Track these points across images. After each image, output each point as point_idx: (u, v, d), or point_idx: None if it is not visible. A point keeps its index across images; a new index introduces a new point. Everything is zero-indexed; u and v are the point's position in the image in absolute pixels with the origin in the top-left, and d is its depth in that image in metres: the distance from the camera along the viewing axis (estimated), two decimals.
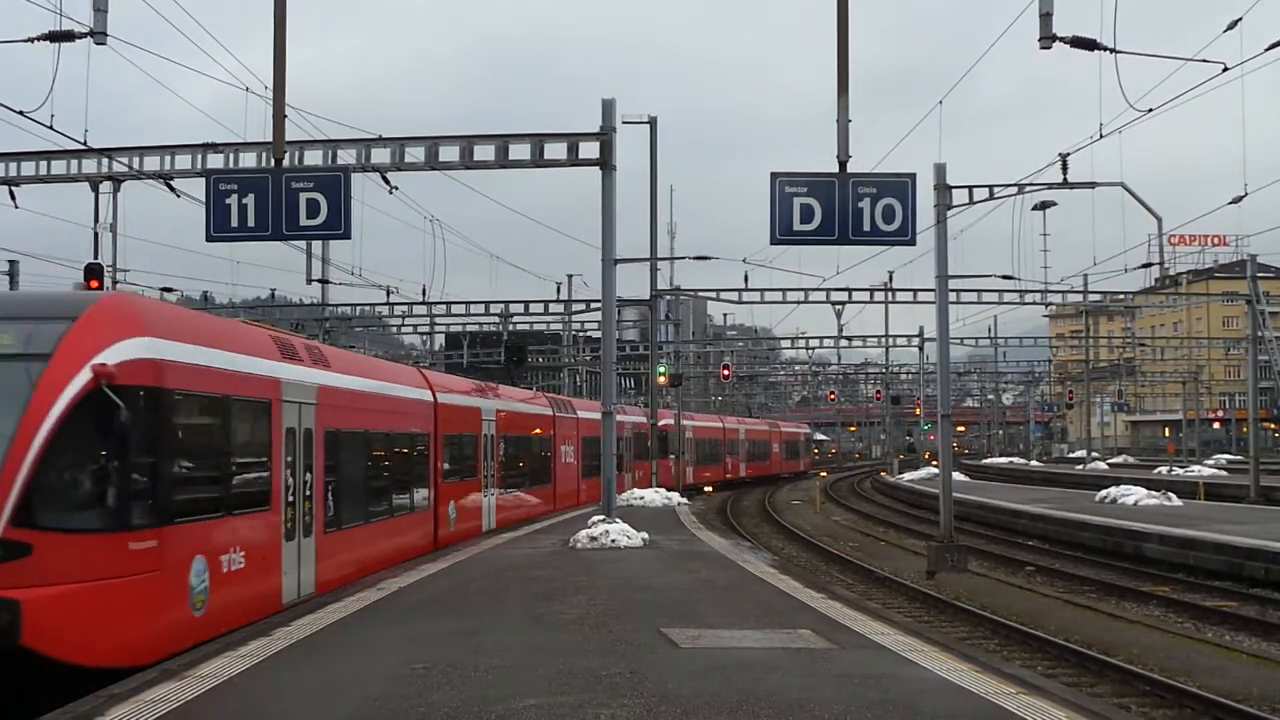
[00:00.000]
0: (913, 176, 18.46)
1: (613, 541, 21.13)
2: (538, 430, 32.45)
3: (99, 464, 11.04)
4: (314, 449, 15.59)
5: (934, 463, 52.24)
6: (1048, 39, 17.52)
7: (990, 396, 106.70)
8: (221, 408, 13.22)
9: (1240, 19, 17.62)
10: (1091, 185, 25.72)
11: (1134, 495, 34.74)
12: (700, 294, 50.78)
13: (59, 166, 22.93)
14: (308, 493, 15.39)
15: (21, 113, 17.17)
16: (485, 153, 21.92)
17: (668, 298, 49.00)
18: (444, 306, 44.15)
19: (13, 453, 10.43)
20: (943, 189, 25.19)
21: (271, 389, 14.47)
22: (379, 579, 16.61)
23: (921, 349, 64.59)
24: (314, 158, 21.72)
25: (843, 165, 18.25)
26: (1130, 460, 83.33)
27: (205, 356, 12.70)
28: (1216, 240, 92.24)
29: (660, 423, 49.28)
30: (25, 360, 10.94)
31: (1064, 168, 23.98)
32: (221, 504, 13.08)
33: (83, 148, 20.12)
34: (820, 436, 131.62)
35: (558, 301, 46.71)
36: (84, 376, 10.81)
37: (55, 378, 10.81)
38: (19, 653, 10.04)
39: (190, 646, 11.54)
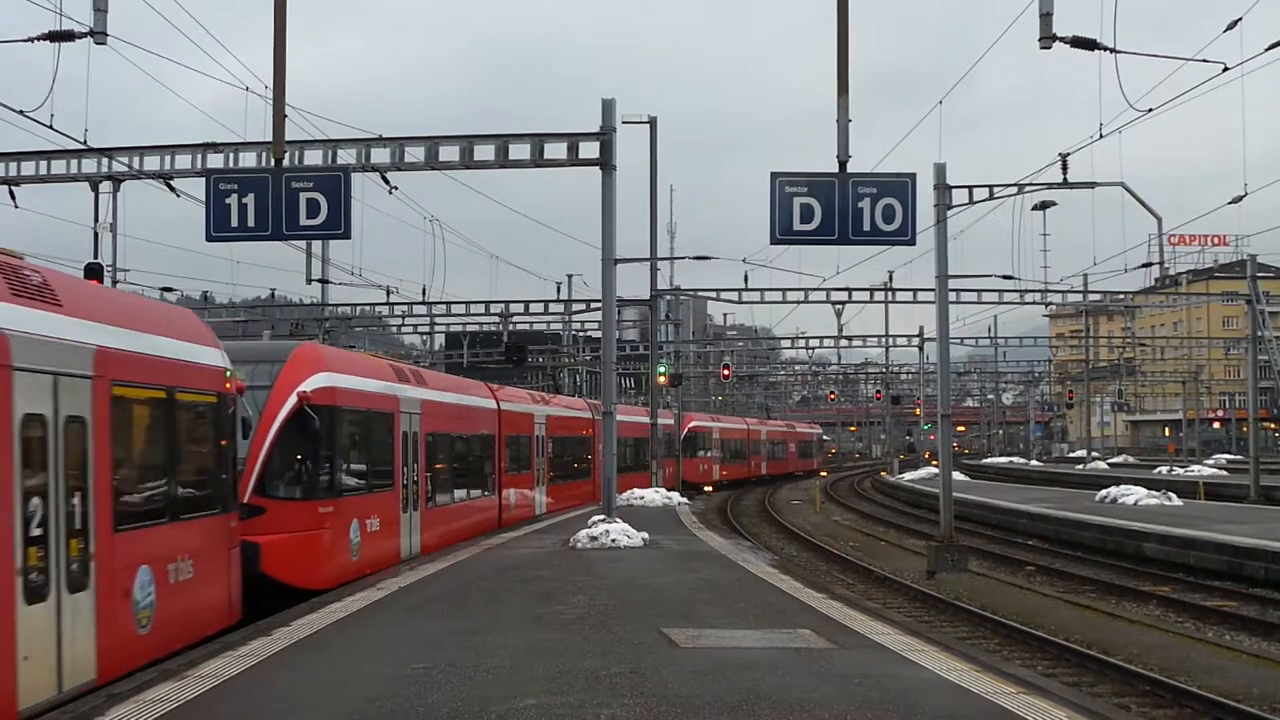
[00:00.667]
0: (913, 176, 18.46)
1: (613, 541, 21.14)
2: (583, 431, 37.14)
3: (303, 455, 16.61)
4: (419, 447, 21.05)
5: (934, 462, 52.24)
6: (1048, 39, 17.51)
7: (990, 396, 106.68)
8: (366, 418, 18.97)
9: (1240, 19, 17.60)
10: (1091, 185, 25.71)
11: (1134, 495, 34.73)
12: (700, 294, 50.78)
13: (59, 166, 22.92)
14: (415, 478, 20.77)
15: (21, 112, 17.17)
16: (485, 153, 21.92)
17: (668, 298, 48.94)
18: (444, 306, 44.14)
19: (252, 449, 15.71)
20: (943, 189, 25.19)
21: (393, 404, 20.05)
22: (379, 578, 16.66)
23: (921, 349, 64.57)
24: (314, 158, 21.72)
25: (843, 165, 18.25)
26: (1130, 460, 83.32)
27: (357, 384, 18.42)
28: (1216, 240, 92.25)
29: (692, 424, 57.61)
30: (259, 390, 16.04)
31: (1064, 168, 23.97)
32: (367, 485, 18.66)
33: (83, 147, 20.13)
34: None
35: (558, 301, 46.69)
36: (293, 400, 16.44)
37: (277, 400, 16.40)
38: (259, 576, 14.77)
39: (349, 581, 16.41)
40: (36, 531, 9.41)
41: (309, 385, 16.69)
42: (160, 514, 11.87)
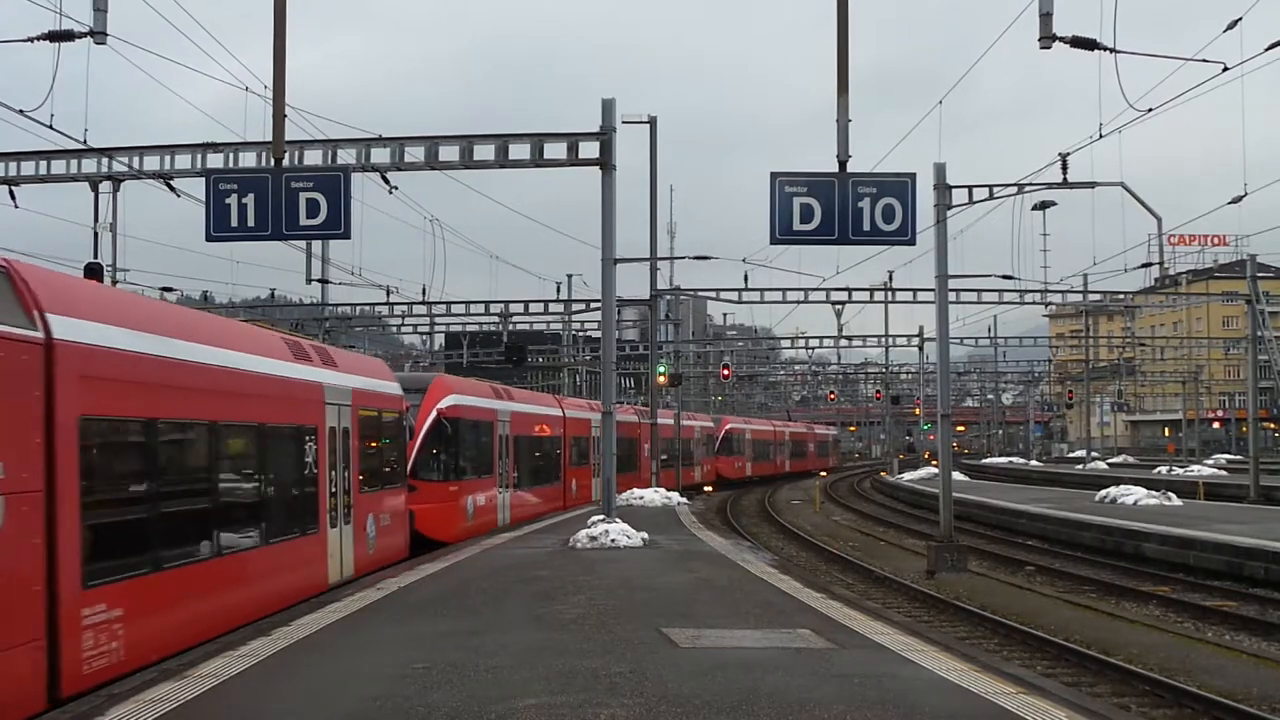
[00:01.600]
0: (912, 176, 18.46)
1: (612, 541, 21.13)
2: (634, 434, 44.54)
3: (439, 451, 24.72)
4: (509, 445, 29.09)
5: (934, 462, 52.25)
6: (1048, 39, 17.52)
7: (990, 396, 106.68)
8: (478, 426, 27.08)
9: (1240, 19, 17.62)
10: (1091, 185, 25.71)
11: (1134, 495, 34.74)
12: (700, 294, 50.80)
13: (59, 166, 22.92)
14: (504, 469, 28.74)
15: (21, 112, 17.19)
16: (485, 153, 21.92)
17: (668, 297, 48.96)
18: (444, 306, 44.14)
19: (408, 448, 22.66)
20: (942, 189, 25.19)
21: (493, 415, 28.28)
22: (379, 578, 16.66)
23: (921, 349, 64.57)
24: (314, 157, 21.72)
25: (842, 165, 18.26)
26: (1130, 460, 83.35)
27: (474, 401, 26.82)
28: (1216, 240, 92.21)
29: (729, 427, 67.69)
30: (413, 409, 22.87)
31: (1064, 167, 23.98)
32: (478, 472, 26.85)
33: (83, 147, 20.15)
34: None
35: (558, 301, 46.70)
36: (434, 414, 24.64)
37: (424, 415, 24.26)
38: (415, 533, 21.57)
39: (463, 540, 23.46)
40: (330, 490, 16.74)
41: (443, 404, 25.03)
42: (376, 485, 19.22)
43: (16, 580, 9.16)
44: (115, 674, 10.31)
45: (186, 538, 12.42)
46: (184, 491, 12.55)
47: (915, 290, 44.46)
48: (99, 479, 10.55)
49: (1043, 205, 43.35)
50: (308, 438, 15.92)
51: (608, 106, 22.17)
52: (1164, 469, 58.42)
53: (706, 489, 56.95)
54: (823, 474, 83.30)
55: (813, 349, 67.93)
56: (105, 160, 22.36)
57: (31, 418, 9.44)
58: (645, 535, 21.88)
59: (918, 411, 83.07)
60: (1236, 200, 27.45)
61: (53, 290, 10.20)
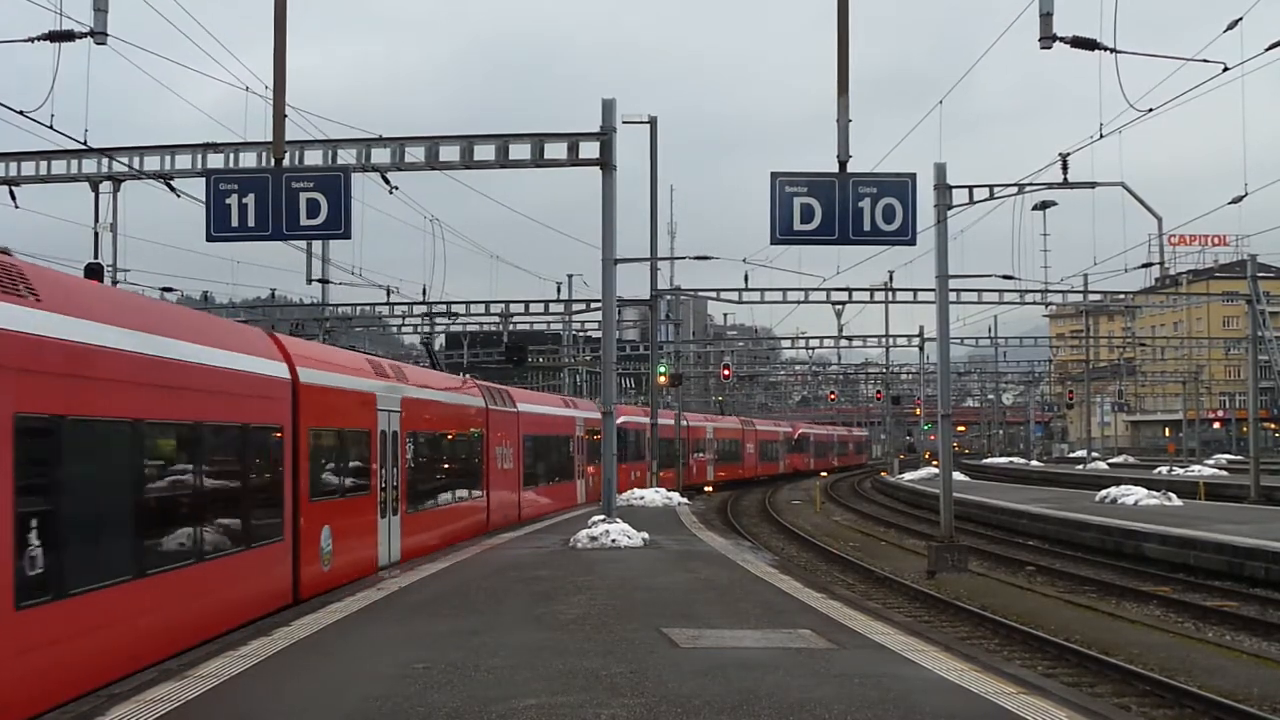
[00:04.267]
0: (913, 176, 18.45)
1: (613, 541, 21.12)
2: (685, 435, 52.63)
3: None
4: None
5: (934, 463, 52.23)
6: (1048, 39, 17.52)
7: (990, 396, 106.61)
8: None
9: (1240, 19, 17.61)
10: (1091, 185, 25.71)
11: (1134, 495, 34.73)
12: (700, 294, 50.76)
13: (59, 166, 22.92)
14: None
15: (22, 112, 17.17)
16: (485, 153, 21.91)
17: (668, 298, 48.95)
18: (444, 306, 44.14)
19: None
20: (943, 189, 25.18)
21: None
22: (378, 579, 16.65)
23: (921, 349, 64.54)
24: (314, 158, 21.71)
25: (843, 165, 18.25)
26: (1130, 460, 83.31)
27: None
28: (1216, 240, 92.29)
29: (801, 430, 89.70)
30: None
31: (1064, 168, 23.97)
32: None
33: (83, 148, 20.10)
34: None
35: (558, 301, 46.67)
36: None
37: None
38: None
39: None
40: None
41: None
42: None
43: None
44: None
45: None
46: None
47: (915, 290, 44.48)
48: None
49: (1043, 205, 43.44)
50: None
51: (608, 107, 22.16)
52: (1164, 469, 58.39)
53: (709, 489, 57.02)
54: (823, 474, 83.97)
55: (813, 349, 67.96)
56: (105, 160, 22.36)
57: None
58: (646, 535, 21.87)
59: (918, 411, 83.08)
60: (1237, 200, 27.43)
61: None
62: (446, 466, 24.09)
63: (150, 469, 11.93)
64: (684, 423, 52.61)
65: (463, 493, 24.71)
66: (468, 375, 30.01)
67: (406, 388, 21.12)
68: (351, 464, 18.26)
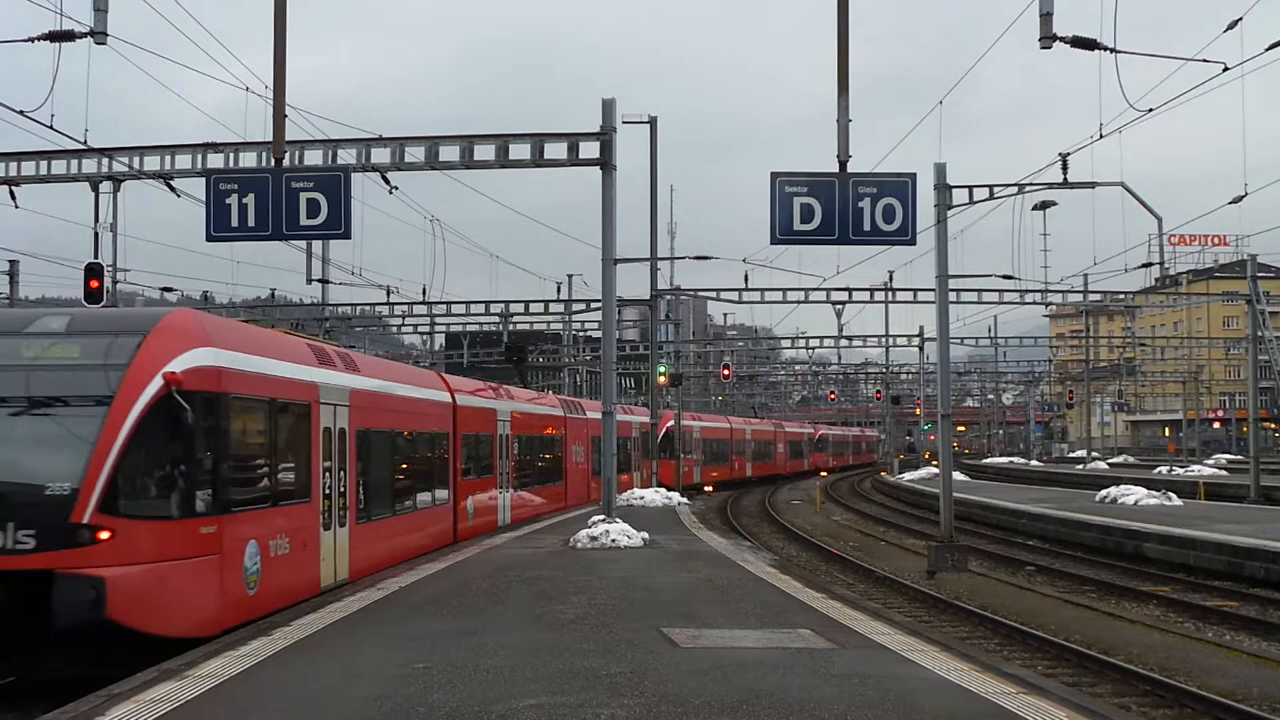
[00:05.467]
0: (913, 176, 18.45)
1: (613, 541, 21.13)
2: (725, 435, 63.24)
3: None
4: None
5: (934, 463, 52.23)
6: (1048, 39, 17.52)
7: (990, 396, 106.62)
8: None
9: (1240, 19, 17.63)
10: (1091, 185, 25.70)
11: (1134, 495, 34.71)
12: (700, 294, 50.76)
13: (59, 166, 22.93)
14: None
15: (22, 112, 17.19)
16: (485, 153, 21.92)
17: (668, 298, 48.99)
18: (444, 306, 44.15)
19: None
20: (943, 189, 25.18)
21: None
22: (378, 579, 16.65)
23: (921, 349, 64.55)
24: (314, 158, 21.73)
25: (843, 165, 18.25)
26: (1130, 460, 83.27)
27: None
28: (1216, 240, 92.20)
29: (821, 432, 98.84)
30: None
31: (1064, 168, 23.98)
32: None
33: (83, 147, 20.14)
34: None
35: (558, 301, 46.70)
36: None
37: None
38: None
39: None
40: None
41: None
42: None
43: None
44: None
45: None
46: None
47: (915, 290, 44.50)
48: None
49: (1043, 205, 43.34)
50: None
51: (608, 107, 22.17)
52: (1164, 469, 58.37)
53: (705, 489, 57.05)
54: (823, 474, 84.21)
55: (813, 349, 68.01)
56: (105, 160, 22.37)
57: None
58: (646, 535, 21.87)
59: (918, 411, 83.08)
60: (1237, 200, 27.45)
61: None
62: (532, 462, 31.13)
63: (399, 457, 20.19)
64: (727, 425, 66.75)
65: (547, 480, 32.19)
66: (548, 391, 40.13)
67: (513, 403, 29.21)
68: (482, 457, 26.00)
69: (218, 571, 12.64)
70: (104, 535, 11.60)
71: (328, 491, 15.90)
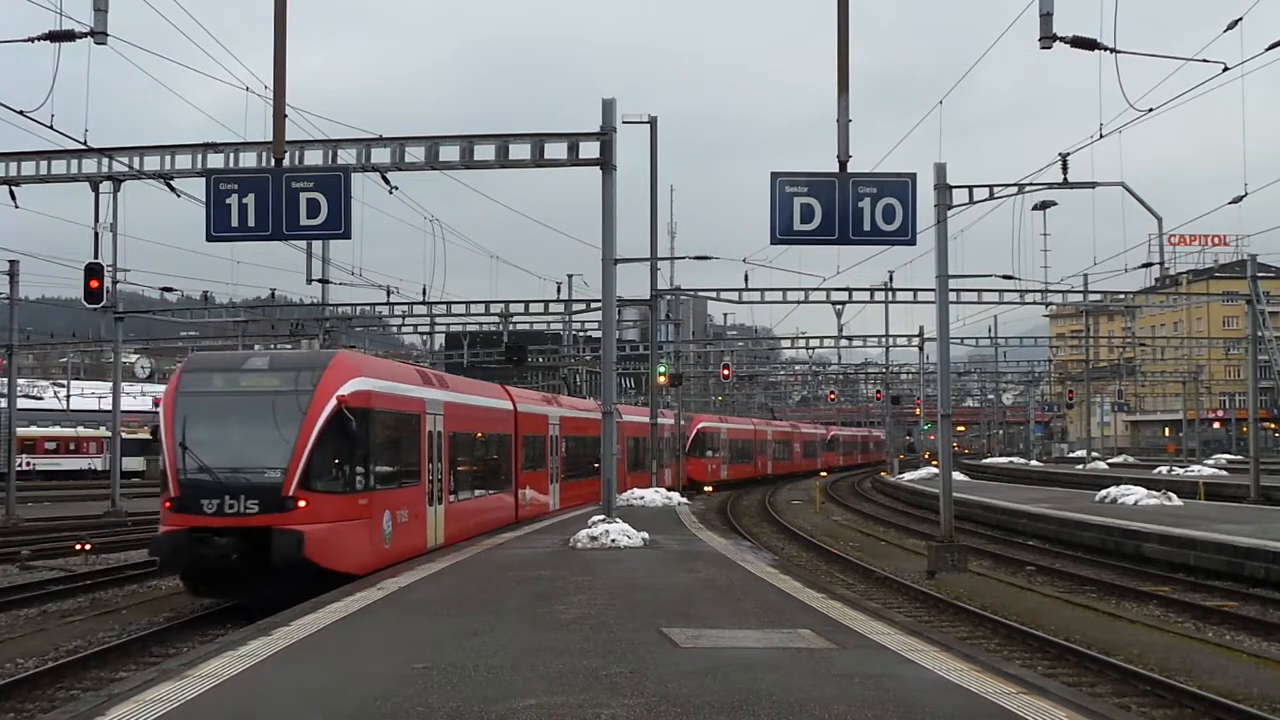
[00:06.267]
0: (913, 176, 18.46)
1: (613, 541, 21.12)
2: (750, 436, 69.05)
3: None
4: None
5: (934, 463, 52.23)
6: (1048, 39, 17.53)
7: (990, 396, 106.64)
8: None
9: (1240, 19, 17.64)
10: (1091, 185, 25.70)
11: (1134, 495, 34.70)
12: (700, 294, 50.76)
13: (59, 166, 22.94)
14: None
15: (22, 112, 17.19)
16: (485, 153, 21.92)
17: (668, 298, 48.97)
18: (444, 306, 44.16)
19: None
20: (943, 189, 25.18)
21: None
22: (379, 579, 16.66)
23: (921, 349, 64.55)
24: (314, 158, 21.73)
25: (843, 165, 18.26)
26: (1130, 460, 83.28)
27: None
28: (1216, 240, 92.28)
29: (833, 433, 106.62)
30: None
31: (1064, 168, 23.98)
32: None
33: (83, 148, 20.15)
34: None
35: (558, 301, 46.69)
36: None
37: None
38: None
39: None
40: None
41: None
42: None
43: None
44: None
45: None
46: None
47: (915, 290, 44.51)
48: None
49: (1043, 205, 43.32)
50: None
51: (608, 107, 22.16)
52: (1164, 469, 58.36)
53: (707, 489, 57.13)
54: (823, 474, 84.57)
55: (813, 349, 68.01)
56: (105, 160, 22.37)
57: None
58: (646, 535, 21.87)
59: (918, 411, 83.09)
60: (1237, 200, 27.45)
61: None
62: (577, 457, 35.04)
63: (478, 452, 25.44)
64: (751, 426, 73.50)
65: (590, 473, 34.74)
66: (593, 398, 44.16)
67: (561, 409, 34.19)
68: (537, 454, 30.67)
69: (369, 530, 18.26)
70: (302, 504, 16.90)
71: (430, 478, 21.55)
